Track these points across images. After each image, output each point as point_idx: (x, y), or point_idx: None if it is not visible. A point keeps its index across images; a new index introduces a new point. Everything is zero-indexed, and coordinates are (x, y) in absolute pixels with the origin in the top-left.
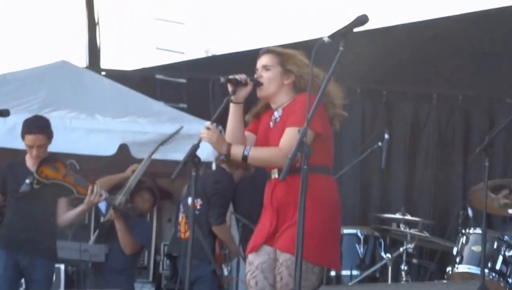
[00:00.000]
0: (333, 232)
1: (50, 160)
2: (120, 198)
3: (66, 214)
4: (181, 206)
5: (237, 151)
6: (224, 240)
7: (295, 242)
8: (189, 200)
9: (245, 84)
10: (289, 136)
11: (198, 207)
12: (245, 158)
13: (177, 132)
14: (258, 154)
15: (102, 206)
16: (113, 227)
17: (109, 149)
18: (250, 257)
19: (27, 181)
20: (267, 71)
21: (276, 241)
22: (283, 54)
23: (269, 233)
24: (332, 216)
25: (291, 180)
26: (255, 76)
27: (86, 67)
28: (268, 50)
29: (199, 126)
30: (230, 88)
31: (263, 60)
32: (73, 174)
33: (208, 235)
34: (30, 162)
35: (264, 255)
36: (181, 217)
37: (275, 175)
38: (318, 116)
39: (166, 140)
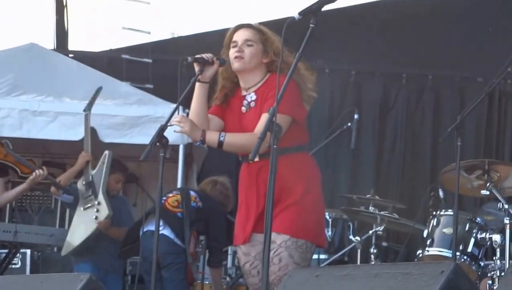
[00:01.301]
0: (323, 209)
1: None
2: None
3: (6, 194)
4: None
5: (212, 137)
6: (214, 279)
7: (293, 222)
8: (192, 193)
9: (212, 63)
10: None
11: (179, 213)
12: (220, 143)
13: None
14: (234, 139)
15: (67, 198)
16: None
17: (76, 133)
18: (244, 248)
19: None
20: (249, 47)
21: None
22: (264, 33)
23: (256, 218)
24: (320, 193)
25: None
26: (237, 49)
27: (54, 50)
28: (249, 26)
29: (166, 109)
30: (197, 68)
31: (245, 34)
32: (12, 153)
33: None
34: None
35: (258, 245)
36: (174, 195)
37: (257, 158)
38: (297, 102)
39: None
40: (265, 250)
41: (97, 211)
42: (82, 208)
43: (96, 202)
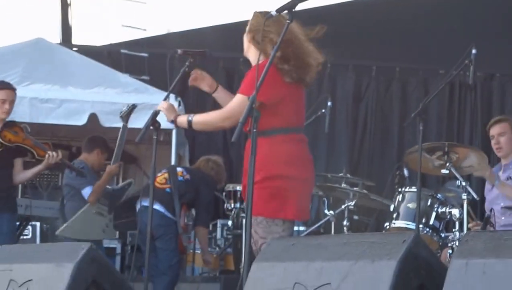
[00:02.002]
0: (285, 186)
1: (10, 125)
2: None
3: (24, 173)
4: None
5: (182, 118)
6: (201, 241)
7: (255, 202)
8: (178, 169)
9: (201, 55)
10: (233, 101)
11: (167, 189)
12: (189, 123)
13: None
14: (200, 118)
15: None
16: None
17: (80, 118)
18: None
19: None
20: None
21: None
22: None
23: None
24: (282, 172)
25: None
26: None
27: (60, 44)
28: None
29: (160, 97)
30: (190, 59)
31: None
32: (31, 137)
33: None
34: None
35: None
36: (162, 174)
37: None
38: (264, 85)
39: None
40: (247, 226)
41: (106, 226)
42: (94, 210)
43: (108, 217)
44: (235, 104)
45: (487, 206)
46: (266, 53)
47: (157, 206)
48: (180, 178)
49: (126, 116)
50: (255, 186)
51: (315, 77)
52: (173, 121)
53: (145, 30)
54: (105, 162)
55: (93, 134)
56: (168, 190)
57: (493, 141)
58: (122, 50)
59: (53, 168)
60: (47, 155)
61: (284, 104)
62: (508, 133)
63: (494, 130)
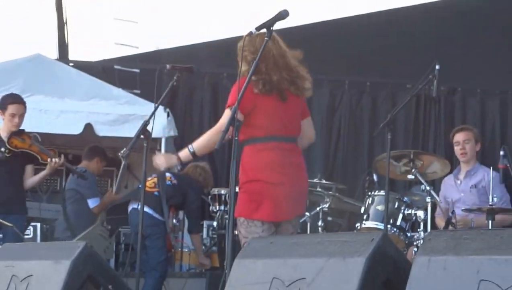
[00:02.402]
0: (262, 190)
1: (18, 133)
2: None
3: (32, 178)
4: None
5: (184, 154)
6: (196, 246)
7: (237, 204)
8: (167, 174)
9: (188, 70)
10: (222, 116)
11: (156, 192)
12: (193, 154)
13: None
14: (199, 143)
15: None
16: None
17: (76, 128)
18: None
19: (2, 149)
20: None
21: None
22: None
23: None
24: (259, 177)
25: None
26: None
27: (57, 59)
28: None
29: (150, 109)
30: (177, 74)
31: None
32: (37, 144)
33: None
34: (3, 134)
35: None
36: (152, 178)
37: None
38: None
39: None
40: (229, 226)
41: (107, 247)
42: (98, 231)
43: (108, 240)
44: (223, 118)
45: (450, 208)
46: (242, 70)
47: (146, 208)
48: (168, 182)
49: (126, 156)
50: (239, 189)
51: (307, 88)
52: (180, 162)
53: (136, 47)
54: (104, 168)
55: (93, 144)
56: (156, 193)
57: (458, 147)
58: (116, 66)
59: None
60: (49, 160)
61: (258, 114)
62: (472, 141)
63: (460, 137)
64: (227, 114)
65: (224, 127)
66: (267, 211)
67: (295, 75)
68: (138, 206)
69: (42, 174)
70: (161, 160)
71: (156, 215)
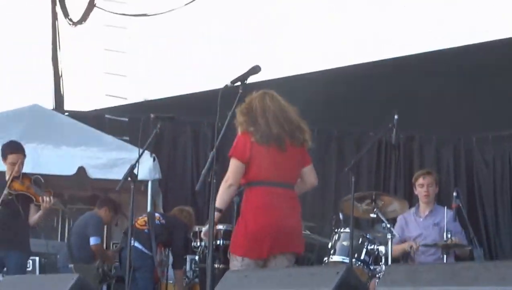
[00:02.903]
0: (244, 231)
1: (18, 177)
2: None
3: (33, 217)
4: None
5: (216, 215)
6: (177, 278)
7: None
8: (156, 214)
9: (170, 119)
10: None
11: (146, 230)
12: (219, 210)
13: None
14: (220, 200)
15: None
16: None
17: (70, 169)
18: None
19: (5, 192)
20: None
21: None
22: None
23: None
24: (246, 218)
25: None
26: None
27: (53, 109)
28: None
29: (137, 154)
30: (160, 122)
31: None
32: (34, 187)
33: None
34: (6, 176)
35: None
36: (143, 217)
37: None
38: (237, 147)
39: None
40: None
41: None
42: (95, 269)
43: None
44: (229, 169)
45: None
46: (240, 122)
47: (136, 244)
48: (157, 222)
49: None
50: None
51: (307, 139)
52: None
53: (125, 98)
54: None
55: (104, 196)
56: (146, 231)
57: (422, 189)
58: (106, 115)
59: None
60: (40, 200)
61: (254, 162)
62: (434, 184)
63: (425, 181)
64: (231, 165)
65: (232, 177)
66: (244, 249)
67: (295, 127)
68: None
69: (39, 213)
70: (205, 235)
71: (146, 250)
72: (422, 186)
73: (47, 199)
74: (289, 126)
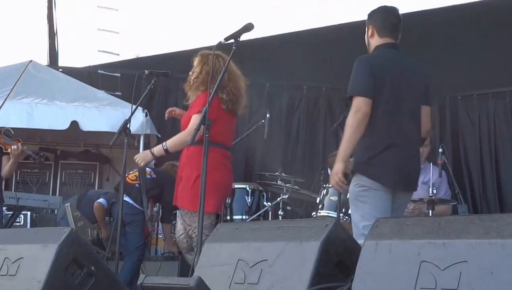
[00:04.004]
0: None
1: None
2: None
3: (4, 168)
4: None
5: (158, 149)
6: (165, 234)
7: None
8: (147, 169)
9: (165, 75)
10: (192, 120)
11: (137, 185)
12: (166, 150)
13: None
14: (172, 141)
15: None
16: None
17: (63, 124)
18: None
19: None
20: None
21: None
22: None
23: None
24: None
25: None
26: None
27: (48, 65)
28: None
29: (130, 109)
30: (154, 78)
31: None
32: (3, 137)
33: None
34: None
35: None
36: (134, 172)
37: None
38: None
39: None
40: (200, 219)
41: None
42: (94, 229)
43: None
44: (192, 122)
45: None
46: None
47: (127, 198)
48: (148, 176)
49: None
50: (188, 184)
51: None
52: (153, 157)
53: (118, 55)
54: (88, 162)
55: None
56: (137, 185)
57: None
58: (99, 71)
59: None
60: (9, 149)
61: (216, 125)
62: (429, 145)
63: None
64: (195, 118)
65: (195, 126)
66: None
67: (241, 97)
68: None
69: (10, 162)
70: (139, 157)
71: (136, 205)
72: None
73: (15, 147)
74: (241, 94)
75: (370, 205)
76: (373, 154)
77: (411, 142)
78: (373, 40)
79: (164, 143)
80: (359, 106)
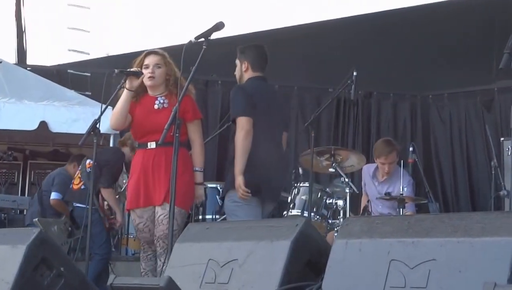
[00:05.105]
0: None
1: None
2: None
3: None
4: (80, 167)
5: (199, 176)
6: (109, 201)
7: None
8: (87, 161)
9: (138, 76)
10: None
11: (82, 186)
12: (202, 169)
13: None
14: (201, 159)
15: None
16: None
17: (32, 124)
18: (138, 212)
19: None
20: (158, 68)
21: (158, 198)
22: (166, 57)
23: (148, 191)
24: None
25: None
26: (149, 70)
27: (16, 64)
28: (157, 52)
29: (99, 109)
30: (128, 79)
31: (155, 60)
32: None
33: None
34: None
35: (150, 210)
36: (77, 173)
37: (152, 146)
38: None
39: None
40: (171, 214)
41: (62, 244)
42: (61, 225)
43: (65, 239)
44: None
45: (365, 198)
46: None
47: (79, 204)
48: (88, 170)
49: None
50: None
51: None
52: (203, 184)
53: (88, 54)
54: (56, 162)
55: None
56: (83, 187)
57: (383, 166)
58: (69, 70)
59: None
60: None
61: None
62: (395, 161)
63: (387, 159)
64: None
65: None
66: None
67: None
68: (74, 204)
69: None
70: (199, 197)
71: (88, 206)
72: (383, 164)
73: None
74: None
75: (243, 218)
76: (245, 171)
77: (278, 160)
78: (247, 74)
79: (196, 168)
80: (242, 125)
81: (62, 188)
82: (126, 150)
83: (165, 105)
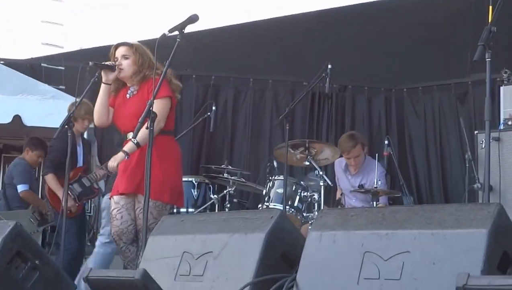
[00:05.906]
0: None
1: None
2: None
3: None
4: None
5: (129, 147)
6: (51, 186)
7: (153, 188)
8: None
9: (110, 68)
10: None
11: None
12: (138, 145)
13: None
14: (141, 135)
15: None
16: None
17: (6, 118)
18: (116, 198)
19: None
20: (126, 59)
21: (137, 188)
22: (136, 47)
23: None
24: (176, 167)
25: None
26: (117, 63)
27: None
28: (125, 43)
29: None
30: (102, 72)
31: (121, 51)
32: None
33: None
34: None
35: (127, 198)
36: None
37: (129, 136)
38: (166, 86)
39: None
40: (145, 206)
41: (33, 232)
42: (29, 215)
43: (35, 228)
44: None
45: (339, 191)
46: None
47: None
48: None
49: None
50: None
51: None
52: (126, 154)
53: (62, 47)
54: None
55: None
56: None
57: (350, 161)
58: (42, 64)
59: None
60: None
61: (173, 110)
62: (362, 154)
63: (350, 154)
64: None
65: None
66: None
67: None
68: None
69: None
70: (112, 162)
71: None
72: (349, 159)
73: None
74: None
75: None
76: None
77: None
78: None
79: (133, 139)
80: None
81: (25, 178)
82: (77, 126)
83: (134, 92)
